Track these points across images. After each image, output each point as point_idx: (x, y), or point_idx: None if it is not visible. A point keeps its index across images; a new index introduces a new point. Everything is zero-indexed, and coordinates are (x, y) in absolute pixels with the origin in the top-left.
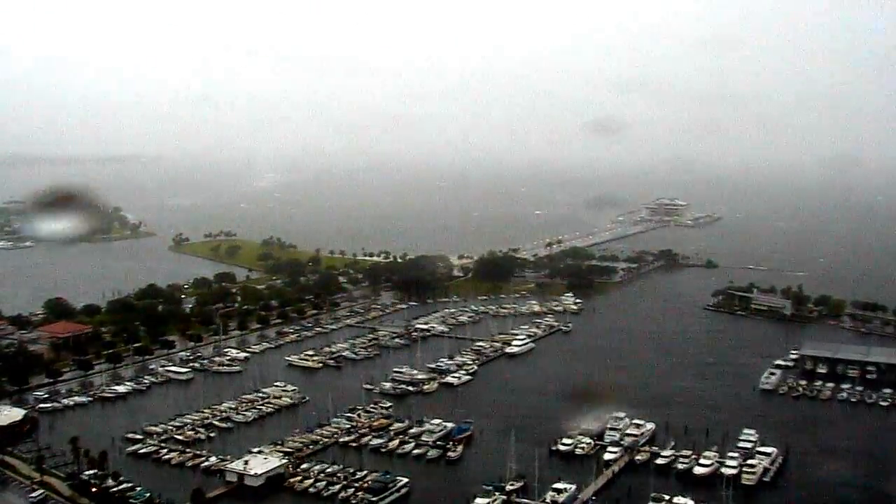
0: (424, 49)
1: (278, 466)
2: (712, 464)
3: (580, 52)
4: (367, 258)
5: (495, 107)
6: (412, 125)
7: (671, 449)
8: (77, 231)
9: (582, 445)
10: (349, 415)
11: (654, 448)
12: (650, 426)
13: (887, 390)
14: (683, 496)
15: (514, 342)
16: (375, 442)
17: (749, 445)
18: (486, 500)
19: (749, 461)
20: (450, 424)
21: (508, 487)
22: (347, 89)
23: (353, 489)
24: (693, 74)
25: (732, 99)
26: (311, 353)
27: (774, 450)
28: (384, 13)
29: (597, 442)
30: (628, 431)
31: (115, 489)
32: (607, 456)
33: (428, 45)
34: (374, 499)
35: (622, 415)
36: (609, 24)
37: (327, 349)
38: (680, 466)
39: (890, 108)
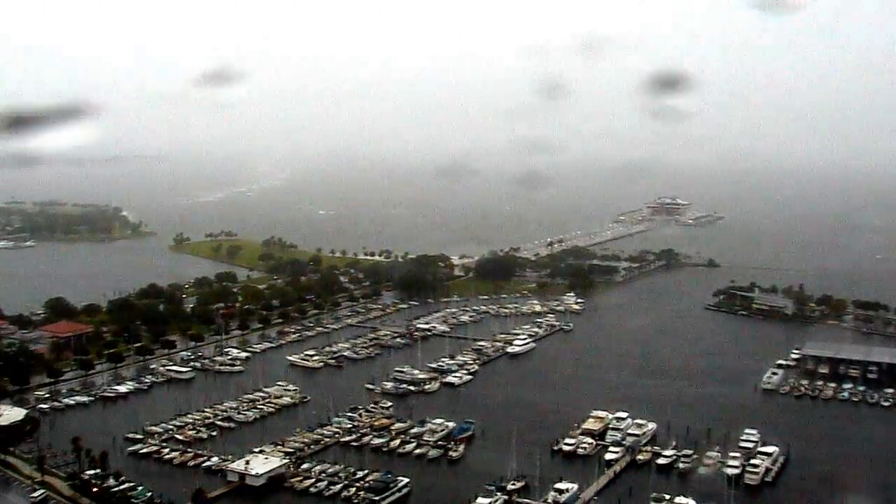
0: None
1: (279, 466)
2: (714, 464)
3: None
4: (368, 258)
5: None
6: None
7: (673, 449)
8: None
9: (584, 445)
10: (350, 414)
11: (655, 448)
12: (652, 426)
13: (889, 390)
14: (685, 496)
15: (516, 342)
16: (376, 442)
17: (751, 445)
18: (488, 500)
19: (751, 461)
20: (451, 424)
21: (510, 487)
22: (342, 87)
23: (354, 489)
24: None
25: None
26: (312, 352)
27: (776, 450)
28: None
29: (598, 442)
30: (630, 431)
31: (116, 489)
32: (609, 456)
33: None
34: (375, 498)
35: (624, 415)
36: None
37: (328, 349)
38: (681, 466)
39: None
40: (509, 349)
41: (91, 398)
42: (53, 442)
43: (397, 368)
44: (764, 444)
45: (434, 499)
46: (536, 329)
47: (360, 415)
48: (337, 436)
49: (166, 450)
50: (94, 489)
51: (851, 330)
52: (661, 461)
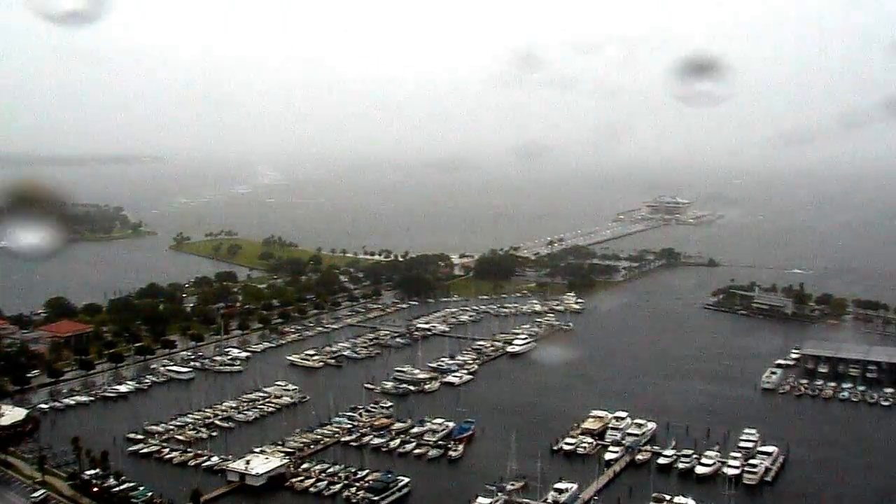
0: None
1: (280, 466)
2: (714, 463)
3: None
4: (369, 257)
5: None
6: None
7: (672, 449)
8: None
9: (583, 445)
10: (350, 414)
11: (655, 448)
12: (651, 426)
13: (888, 389)
14: (685, 496)
15: (516, 341)
16: (376, 441)
17: (750, 445)
18: (488, 499)
19: (750, 461)
20: (451, 424)
21: (510, 487)
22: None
23: (354, 489)
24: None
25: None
26: (312, 352)
27: (776, 449)
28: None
29: (598, 442)
30: (630, 431)
31: (116, 489)
32: (609, 455)
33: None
34: (375, 498)
35: (624, 414)
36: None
37: (328, 348)
38: (681, 466)
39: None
40: (509, 349)
41: (91, 398)
42: (54, 442)
43: (397, 368)
44: (763, 444)
45: (434, 499)
46: (536, 329)
47: (360, 415)
48: (337, 435)
49: (166, 450)
50: (95, 489)
51: (851, 329)
52: (661, 461)
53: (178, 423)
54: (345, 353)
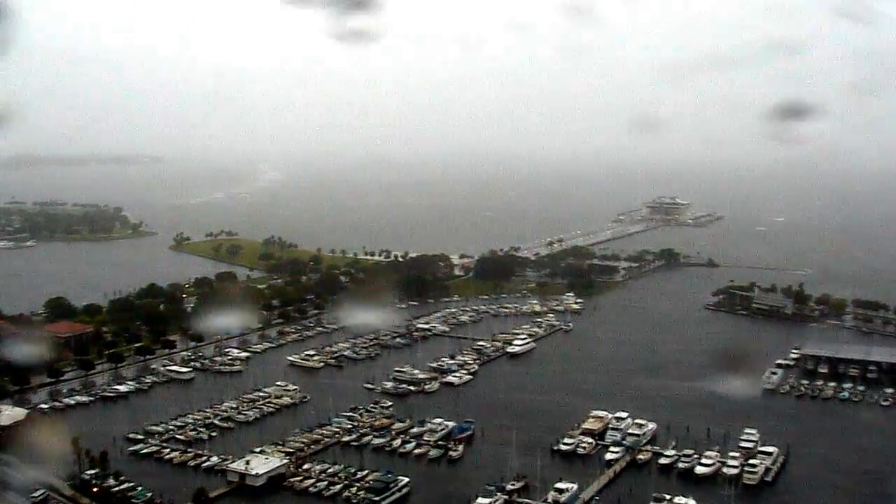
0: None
1: (280, 466)
2: (714, 464)
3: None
4: (369, 258)
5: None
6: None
7: (673, 449)
8: None
9: (583, 445)
10: (350, 414)
11: (655, 448)
12: (652, 426)
13: (888, 390)
14: (685, 496)
15: (516, 342)
16: (377, 441)
17: (750, 445)
18: (488, 500)
19: (750, 461)
20: (451, 424)
21: (510, 487)
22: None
23: (354, 489)
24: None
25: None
26: (312, 352)
27: (776, 449)
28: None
29: (598, 442)
30: (630, 431)
31: (116, 489)
32: (609, 456)
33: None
34: (375, 498)
35: (624, 414)
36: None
37: (328, 349)
38: (682, 466)
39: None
40: (509, 349)
41: (91, 398)
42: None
43: (397, 368)
44: (763, 444)
45: (434, 499)
46: (536, 329)
47: (360, 415)
48: (337, 436)
49: (166, 450)
50: (94, 489)
51: (851, 329)
52: (661, 461)
53: (178, 423)
54: (345, 354)
